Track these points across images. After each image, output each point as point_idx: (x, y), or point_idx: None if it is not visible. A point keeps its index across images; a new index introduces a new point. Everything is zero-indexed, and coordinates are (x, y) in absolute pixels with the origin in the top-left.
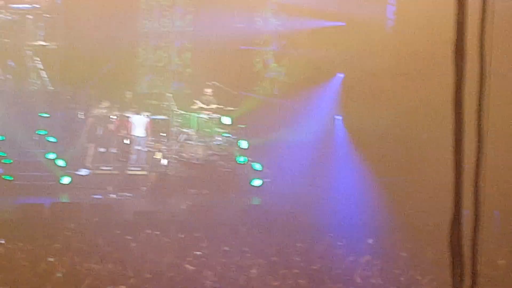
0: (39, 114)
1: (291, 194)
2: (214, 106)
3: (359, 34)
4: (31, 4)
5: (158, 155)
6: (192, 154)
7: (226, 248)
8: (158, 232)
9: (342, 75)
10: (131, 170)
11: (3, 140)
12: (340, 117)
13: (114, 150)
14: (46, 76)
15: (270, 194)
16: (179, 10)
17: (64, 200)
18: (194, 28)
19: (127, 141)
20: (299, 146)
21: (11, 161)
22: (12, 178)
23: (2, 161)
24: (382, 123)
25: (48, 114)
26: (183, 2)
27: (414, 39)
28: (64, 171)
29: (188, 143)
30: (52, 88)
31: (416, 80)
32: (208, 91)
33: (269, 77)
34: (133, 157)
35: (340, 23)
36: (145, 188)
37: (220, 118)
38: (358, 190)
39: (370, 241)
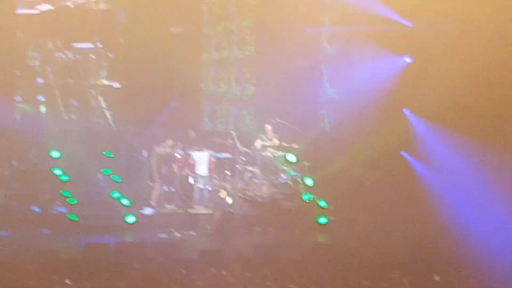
0: (103, 153)
1: (356, 231)
2: (278, 143)
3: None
4: (94, 44)
5: (223, 194)
6: (257, 192)
7: (293, 287)
8: (224, 272)
9: (407, 111)
10: (196, 209)
11: (67, 180)
12: (405, 154)
13: (178, 189)
14: (109, 115)
15: (336, 231)
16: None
17: (129, 240)
18: (257, 65)
19: (191, 180)
20: (364, 182)
21: (76, 201)
22: (77, 218)
23: (67, 201)
24: None
25: (112, 153)
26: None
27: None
28: (129, 210)
29: (253, 181)
30: (116, 127)
31: None
32: (272, 128)
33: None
34: (198, 195)
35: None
36: (210, 226)
37: (284, 156)
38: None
39: (437, 278)
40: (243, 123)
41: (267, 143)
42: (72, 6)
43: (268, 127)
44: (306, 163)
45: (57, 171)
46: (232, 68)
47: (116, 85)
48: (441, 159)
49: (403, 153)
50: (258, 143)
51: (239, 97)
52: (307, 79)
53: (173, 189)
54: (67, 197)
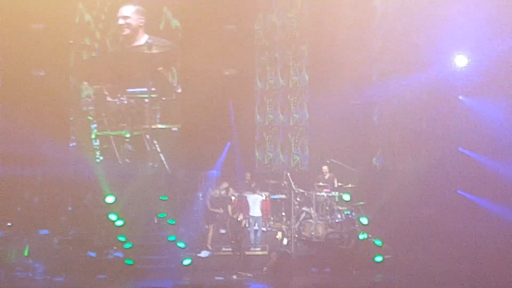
0: (159, 198)
1: (413, 269)
2: (332, 183)
3: None
4: (147, 88)
5: (279, 235)
6: (313, 233)
7: None
8: None
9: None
10: (252, 250)
11: (122, 225)
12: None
13: (233, 231)
14: (164, 159)
15: (392, 270)
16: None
17: (186, 283)
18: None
19: (246, 222)
20: (419, 219)
21: (131, 245)
22: (133, 262)
23: (123, 246)
24: None
25: (167, 196)
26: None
27: None
28: (185, 253)
29: (308, 222)
30: (170, 171)
31: None
32: (326, 168)
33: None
34: (253, 237)
35: None
36: (266, 268)
37: (338, 195)
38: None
39: None
40: (298, 164)
41: (322, 184)
42: (124, 51)
43: (325, 168)
44: (361, 202)
45: (113, 216)
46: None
47: (172, 128)
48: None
49: (460, 192)
50: (313, 184)
51: (294, 137)
52: (359, 118)
53: (228, 232)
54: (123, 242)
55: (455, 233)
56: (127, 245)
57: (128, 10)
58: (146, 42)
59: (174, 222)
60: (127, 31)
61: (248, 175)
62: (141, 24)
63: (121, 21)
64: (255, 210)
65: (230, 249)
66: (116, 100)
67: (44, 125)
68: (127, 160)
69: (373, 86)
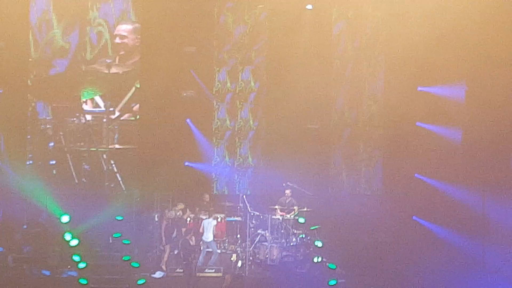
0: (115, 218)
1: None
2: (289, 207)
3: None
4: (106, 108)
5: (233, 257)
6: (267, 255)
7: None
8: None
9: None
10: (206, 272)
11: (77, 244)
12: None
13: (187, 253)
14: (120, 179)
15: None
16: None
17: None
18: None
19: (201, 243)
20: (373, 245)
21: (86, 264)
22: (87, 282)
23: (78, 265)
24: None
25: (123, 217)
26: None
27: None
28: (140, 273)
29: (263, 244)
30: (126, 191)
31: None
32: (288, 192)
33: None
34: (207, 259)
35: None
36: None
37: (294, 219)
38: None
39: None
40: (255, 186)
41: (279, 207)
42: (84, 69)
43: (288, 192)
44: (316, 226)
45: (68, 236)
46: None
47: (128, 148)
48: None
49: (415, 218)
50: (270, 207)
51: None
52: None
53: (184, 253)
54: (78, 261)
55: (409, 259)
56: (82, 264)
57: (124, 29)
58: (105, 61)
59: (129, 242)
60: (122, 52)
61: (207, 196)
62: (137, 43)
63: (117, 40)
64: (208, 235)
65: (184, 270)
66: (74, 119)
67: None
68: (83, 179)
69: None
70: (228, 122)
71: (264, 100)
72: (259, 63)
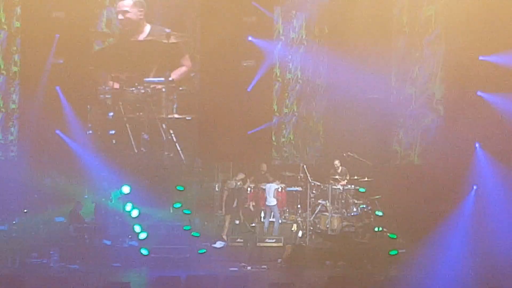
0: (176, 188)
1: (426, 264)
2: (349, 177)
3: None
4: (165, 77)
5: (294, 227)
6: (328, 226)
7: None
8: None
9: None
10: (267, 242)
11: (139, 214)
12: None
13: (248, 222)
14: (180, 149)
15: (406, 264)
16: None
17: (200, 273)
18: (327, 97)
19: (262, 213)
20: (434, 215)
21: (147, 234)
22: (148, 251)
23: (138, 236)
24: None
25: (183, 187)
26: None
27: None
28: (200, 243)
29: (324, 215)
30: (186, 161)
31: None
32: (337, 163)
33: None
34: (268, 228)
35: None
36: (280, 260)
37: (355, 189)
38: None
39: None
40: (315, 156)
41: (339, 177)
42: (142, 40)
43: (337, 162)
44: (377, 196)
45: (128, 206)
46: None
47: (187, 118)
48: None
49: (476, 187)
50: (329, 176)
51: (309, 129)
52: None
53: (245, 222)
54: (139, 232)
55: (471, 229)
56: (143, 235)
57: (126, 4)
58: (164, 31)
59: (189, 212)
60: (128, 27)
61: (264, 166)
62: (141, 17)
63: (120, 16)
64: (270, 199)
65: (245, 240)
66: (133, 89)
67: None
68: (143, 149)
69: (391, 80)
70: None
71: (326, 70)
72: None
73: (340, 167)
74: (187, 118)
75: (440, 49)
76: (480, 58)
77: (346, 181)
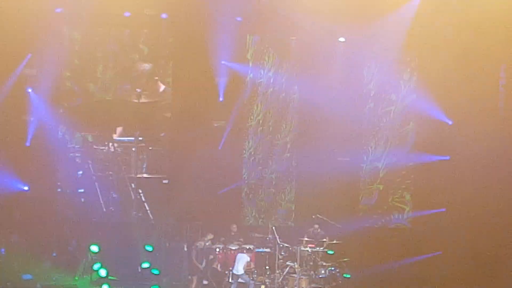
0: (144, 247)
1: None
2: (318, 239)
3: None
4: (135, 137)
5: None
6: (296, 287)
7: None
8: None
9: None
10: None
11: (106, 275)
12: None
13: (217, 283)
14: (149, 208)
15: None
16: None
17: None
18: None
19: (229, 274)
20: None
21: None
22: None
23: None
24: None
25: (152, 246)
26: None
27: None
28: None
29: (292, 276)
30: (154, 221)
31: None
32: (317, 226)
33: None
34: None
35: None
36: None
37: (323, 251)
38: None
39: None
40: (284, 218)
41: (308, 239)
42: (111, 98)
43: (316, 226)
44: (345, 259)
45: (97, 265)
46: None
47: (156, 177)
48: None
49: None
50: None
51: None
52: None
53: (213, 284)
54: None
55: None
56: None
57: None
58: (136, 91)
59: (157, 272)
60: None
61: (234, 227)
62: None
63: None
64: (238, 268)
65: None
66: (103, 147)
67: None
68: (111, 208)
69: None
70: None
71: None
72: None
73: (319, 230)
74: (163, 181)
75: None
76: None
77: (324, 243)
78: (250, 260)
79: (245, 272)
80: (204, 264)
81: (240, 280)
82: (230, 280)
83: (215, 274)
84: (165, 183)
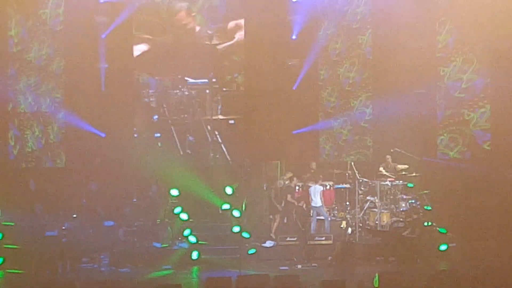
0: (224, 189)
1: (477, 257)
2: (397, 172)
3: None
4: (208, 79)
5: (343, 224)
6: (377, 222)
7: None
8: None
9: None
10: (316, 240)
11: (187, 219)
12: None
13: (298, 221)
14: (225, 150)
15: (457, 258)
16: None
17: (250, 273)
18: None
19: (311, 211)
20: (483, 209)
21: (196, 239)
22: (199, 254)
23: (188, 237)
24: None
25: (232, 187)
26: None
27: None
28: (250, 243)
29: (373, 211)
30: (232, 162)
31: None
32: (389, 157)
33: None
34: (317, 226)
35: None
36: (330, 257)
37: (403, 184)
38: None
39: None
40: (362, 153)
41: (387, 173)
42: (185, 41)
43: (388, 157)
44: (425, 191)
45: (177, 209)
46: (347, 99)
47: (232, 119)
48: None
49: None
50: (378, 173)
51: (357, 127)
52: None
53: (294, 221)
54: (188, 235)
55: None
56: (192, 238)
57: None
58: (207, 33)
59: (238, 213)
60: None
61: (313, 164)
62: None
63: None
64: (316, 200)
65: (294, 239)
66: (177, 91)
67: (108, 117)
68: (188, 151)
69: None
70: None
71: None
72: None
73: (391, 163)
74: (229, 121)
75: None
76: None
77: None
78: (325, 192)
79: (322, 204)
80: (283, 203)
81: (318, 216)
82: (311, 215)
83: (297, 211)
84: (231, 123)
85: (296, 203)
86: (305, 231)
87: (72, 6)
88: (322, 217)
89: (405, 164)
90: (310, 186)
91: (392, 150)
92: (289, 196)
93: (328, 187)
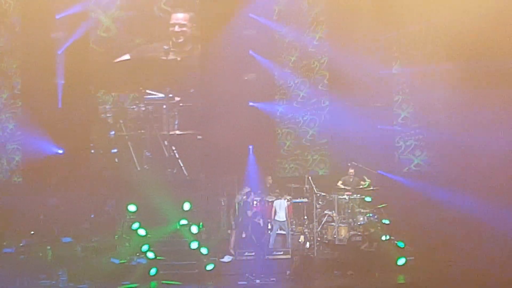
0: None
1: (435, 270)
2: (354, 186)
3: None
4: (165, 94)
5: (301, 238)
6: (335, 236)
7: None
8: None
9: None
10: (274, 255)
11: (145, 234)
12: None
13: (255, 236)
14: (182, 165)
15: (415, 271)
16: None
17: None
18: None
19: (268, 226)
20: (441, 221)
21: (155, 255)
22: (156, 269)
23: (146, 255)
24: None
25: (190, 203)
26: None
27: None
28: (208, 258)
29: (330, 225)
30: (189, 177)
31: None
32: (352, 171)
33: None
34: (278, 241)
35: None
36: (288, 272)
37: (360, 198)
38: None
39: None
40: (320, 167)
41: (344, 187)
42: (142, 56)
43: (351, 171)
44: (383, 205)
45: (135, 225)
46: (305, 111)
47: (189, 134)
48: None
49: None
50: (335, 187)
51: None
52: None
53: (251, 236)
54: (146, 250)
55: (480, 234)
56: (150, 254)
57: (184, 18)
58: (163, 48)
59: (196, 228)
60: (181, 39)
61: (269, 179)
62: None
63: (176, 28)
64: (281, 215)
65: (253, 254)
66: (134, 106)
67: (66, 133)
68: (145, 166)
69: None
70: None
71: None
72: None
73: (353, 176)
74: (189, 134)
75: None
76: None
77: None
78: (289, 206)
79: (287, 218)
80: (241, 218)
81: (280, 231)
82: (269, 230)
83: (254, 227)
84: (199, 139)
85: (252, 218)
86: (261, 246)
87: (28, 22)
88: (283, 232)
89: (364, 177)
90: (268, 201)
91: (349, 164)
92: (248, 212)
93: (288, 202)
